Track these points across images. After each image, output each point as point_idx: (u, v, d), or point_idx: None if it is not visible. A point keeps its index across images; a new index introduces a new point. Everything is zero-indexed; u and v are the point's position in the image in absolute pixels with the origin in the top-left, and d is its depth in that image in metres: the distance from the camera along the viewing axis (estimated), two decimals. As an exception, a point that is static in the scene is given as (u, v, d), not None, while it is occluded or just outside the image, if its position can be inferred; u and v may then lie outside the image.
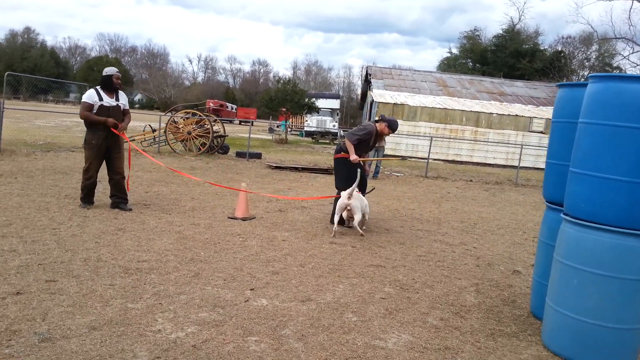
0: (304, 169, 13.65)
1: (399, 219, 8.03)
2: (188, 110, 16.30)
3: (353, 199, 6.28)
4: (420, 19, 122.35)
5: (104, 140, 6.66)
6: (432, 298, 4.33)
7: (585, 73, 59.16)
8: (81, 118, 6.61)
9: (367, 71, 33.52)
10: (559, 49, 58.42)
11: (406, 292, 4.41)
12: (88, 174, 6.66)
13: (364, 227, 6.67)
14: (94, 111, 6.54)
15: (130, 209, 6.81)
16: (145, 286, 3.99)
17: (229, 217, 6.89)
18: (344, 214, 6.50)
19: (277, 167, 13.57)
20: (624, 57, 51.16)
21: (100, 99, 6.58)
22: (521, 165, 17.33)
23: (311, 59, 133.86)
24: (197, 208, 7.39)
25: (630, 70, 76.04)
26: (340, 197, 6.48)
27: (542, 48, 57.49)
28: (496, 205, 10.63)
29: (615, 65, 57.08)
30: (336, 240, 6.08)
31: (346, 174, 6.88)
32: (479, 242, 6.82)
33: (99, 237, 5.34)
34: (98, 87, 6.69)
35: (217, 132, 16.52)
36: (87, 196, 6.82)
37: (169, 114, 16.79)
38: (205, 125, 15.62)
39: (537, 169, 21.73)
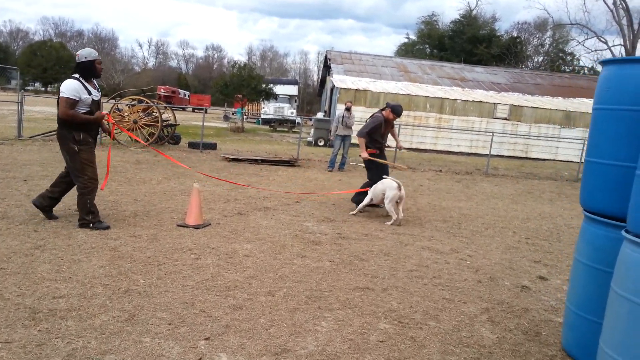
0: (263, 161, 12.52)
1: (375, 219, 7.07)
2: (134, 97, 14.81)
3: (398, 190, 6.76)
4: (375, 5, 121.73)
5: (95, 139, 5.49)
6: (440, 336, 3.39)
7: (540, 59, 60.04)
8: (64, 118, 5.13)
9: (326, 56, 32.42)
10: (515, 35, 58.90)
11: (407, 329, 3.44)
12: (93, 182, 5.35)
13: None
14: (85, 108, 5.22)
15: (57, 217, 5.58)
16: (55, 342, 2.87)
17: (178, 225, 5.75)
18: (391, 206, 6.80)
19: (234, 159, 12.39)
20: (579, 43, 51.99)
21: (89, 92, 5.24)
22: (485, 153, 16.75)
23: (267, 45, 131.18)
24: (140, 213, 6.21)
25: (585, 57, 77.78)
26: (368, 189, 7.28)
27: (498, 34, 57.80)
28: (473, 199, 9.84)
29: (569, 51, 58.17)
30: (308, 253, 5.06)
31: (378, 168, 7.51)
32: (471, 247, 5.94)
33: (7, 260, 4.13)
34: (78, 77, 5.23)
35: (167, 120, 15.14)
36: (96, 212, 5.42)
37: (112, 100, 15.26)
38: (154, 113, 14.21)
39: (502, 156, 21.33)
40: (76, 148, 5.21)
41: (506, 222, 7.73)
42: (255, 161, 12.45)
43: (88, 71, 5.29)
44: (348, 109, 12.55)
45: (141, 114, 14.32)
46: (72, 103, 5.10)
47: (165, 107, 15.82)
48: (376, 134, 7.63)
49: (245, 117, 38.48)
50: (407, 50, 60.74)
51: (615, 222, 2.96)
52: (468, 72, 32.79)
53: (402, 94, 22.16)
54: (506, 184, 12.90)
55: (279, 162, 12.61)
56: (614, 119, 2.95)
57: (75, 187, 5.40)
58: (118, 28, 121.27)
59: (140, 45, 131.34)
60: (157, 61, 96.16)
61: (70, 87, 5.11)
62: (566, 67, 55.85)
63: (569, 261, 5.71)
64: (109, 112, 13.81)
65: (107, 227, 5.38)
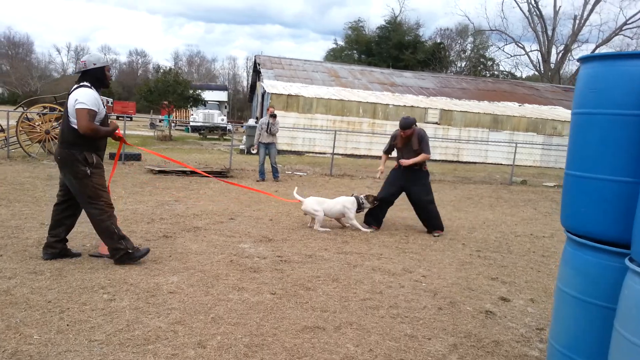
0: (193, 173, 11.63)
1: (317, 237, 6.48)
2: (46, 105, 13.45)
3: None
4: (302, 11, 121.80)
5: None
6: (410, 389, 2.82)
7: (463, 64, 62.14)
8: (88, 133, 4.39)
9: (255, 60, 31.65)
10: (439, 41, 60.63)
11: (371, 383, 2.86)
12: (110, 207, 4.74)
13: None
14: (98, 121, 4.53)
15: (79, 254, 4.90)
16: None
17: (90, 255, 4.90)
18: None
19: (160, 172, 11.43)
20: (499, 49, 54.22)
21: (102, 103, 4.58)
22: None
23: (193, 50, 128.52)
24: (45, 241, 5.27)
25: (505, 61, 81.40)
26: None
27: (423, 40, 59.24)
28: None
29: (489, 56, 60.55)
30: (246, 284, 4.37)
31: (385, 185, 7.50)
32: (423, 265, 5.47)
33: None
34: (89, 85, 4.52)
35: (85, 130, 13.87)
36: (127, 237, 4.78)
37: (21, 109, 13.80)
38: (69, 123, 12.93)
39: (435, 160, 21.41)
40: (88, 171, 4.51)
41: (453, 233, 7.37)
42: (184, 173, 11.54)
43: (98, 80, 4.63)
44: (273, 116, 11.80)
45: (54, 124, 13.01)
46: (94, 115, 4.43)
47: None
48: (391, 149, 7.65)
49: (173, 124, 36.94)
50: (335, 56, 60.95)
51: (613, 248, 2.51)
52: (397, 77, 33.07)
53: (335, 99, 21.83)
54: (444, 189, 12.72)
55: (210, 173, 11.75)
56: (613, 125, 2.50)
57: (85, 215, 4.71)
58: (33, 32, 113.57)
59: (58, 51, 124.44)
60: (77, 67, 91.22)
61: (91, 97, 4.43)
62: (487, 72, 58.06)
63: (526, 276, 5.37)
64: (17, 121, 12.47)
65: (147, 251, 4.84)
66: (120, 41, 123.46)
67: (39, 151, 12.97)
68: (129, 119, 46.36)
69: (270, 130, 11.61)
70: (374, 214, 7.35)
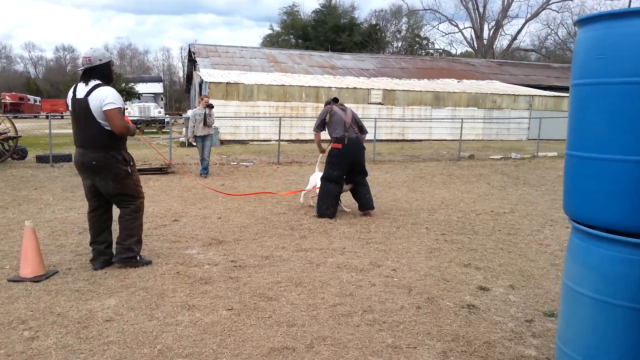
0: (130, 171, 10.75)
1: (272, 233, 5.94)
2: (-44, 107, 12.10)
3: None
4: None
5: None
6: (406, 419, 2.36)
7: (399, 44, 62.53)
8: (124, 132, 4.29)
9: (190, 49, 30.37)
10: (374, 23, 60.66)
11: (359, 417, 2.38)
12: (143, 203, 4.68)
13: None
14: None
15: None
16: None
17: (9, 280, 4.16)
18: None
19: (93, 173, 10.47)
20: (433, 27, 54.88)
21: None
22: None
23: (124, 43, 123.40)
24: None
25: (440, 39, 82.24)
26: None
27: (358, 22, 59.04)
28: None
29: (424, 36, 61.17)
30: (197, 300, 3.79)
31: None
32: (391, 257, 5.05)
33: None
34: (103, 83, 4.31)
35: (6, 132, 12.64)
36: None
37: None
38: (-14, 126, 11.70)
39: (381, 140, 21.20)
40: (128, 169, 4.44)
41: (414, 217, 7.01)
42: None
43: (105, 77, 4.35)
44: (209, 106, 10.80)
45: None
46: (123, 113, 4.29)
47: (2, 118, 13.21)
48: None
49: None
50: (272, 42, 59.83)
51: (634, 239, 2.11)
52: (337, 60, 32.68)
53: (276, 85, 21.13)
54: (396, 170, 12.43)
55: (150, 170, 10.91)
56: (629, 96, 2.08)
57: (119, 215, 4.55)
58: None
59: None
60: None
61: (116, 94, 4.26)
62: (423, 51, 58.69)
63: (498, 259, 5.06)
64: None
65: (149, 262, 4.64)
66: (45, 37, 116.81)
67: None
68: (60, 117, 43.78)
69: (206, 121, 10.69)
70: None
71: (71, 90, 4.39)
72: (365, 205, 7.05)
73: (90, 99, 4.16)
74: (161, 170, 10.86)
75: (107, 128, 4.23)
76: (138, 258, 4.54)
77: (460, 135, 15.77)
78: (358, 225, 6.43)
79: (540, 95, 25.05)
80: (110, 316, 3.45)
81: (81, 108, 4.21)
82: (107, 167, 4.29)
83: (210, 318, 3.44)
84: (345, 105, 7.26)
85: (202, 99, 11.04)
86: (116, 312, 3.51)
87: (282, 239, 5.63)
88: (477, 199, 8.51)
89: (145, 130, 26.49)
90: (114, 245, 4.59)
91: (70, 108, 4.38)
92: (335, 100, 7.28)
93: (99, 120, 4.19)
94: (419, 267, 4.71)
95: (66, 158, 12.50)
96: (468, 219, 6.92)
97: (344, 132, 6.82)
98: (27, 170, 10.98)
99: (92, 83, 4.24)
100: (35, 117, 42.95)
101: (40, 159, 12.34)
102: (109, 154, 4.29)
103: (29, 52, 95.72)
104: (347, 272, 4.49)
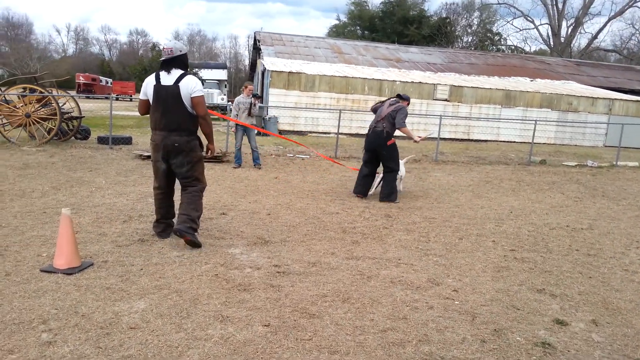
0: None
1: (323, 235, 5.51)
2: (25, 86, 12.39)
3: None
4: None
5: None
6: None
7: (469, 39, 60.43)
8: (206, 118, 4.83)
9: (255, 37, 30.38)
10: (444, 16, 58.87)
11: None
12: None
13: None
14: None
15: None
16: None
17: (42, 271, 3.94)
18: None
19: (149, 157, 10.40)
20: (507, 22, 52.56)
21: None
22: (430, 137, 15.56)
23: (194, 29, 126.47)
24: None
25: (514, 35, 79.03)
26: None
27: (428, 15, 57.48)
28: (431, 195, 8.49)
29: (496, 31, 58.82)
30: (232, 311, 3.41)
31: (398, 156, 7.81)
32: (452, 273, 4.50)
33: None
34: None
35: (69, 112, 12.86)
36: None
37: (-1, 90, 12.77)
38: (52, 104, 11.90)
39: (444, 139, 20.35)
40: (202, 154, 5.01)
41: (479, 227, 6.38)
42: (175, 158, 10.52)
43: (185, 65, 4.84)
44: (257, 96, 10.36)
45: (37, 106, 11.98)
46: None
47: (67, 97, 13.46)
48: None
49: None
50: (338, 32, 59.33)
51: None
52: (403, 53, 31.79)
53: (339, 76, 20.66)
54: (459, 171, 11.71)
55: (205, 159, 10.73)
56: None
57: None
58: (33, 13, 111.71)
59: (58, 31, 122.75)
60: (77, 48, 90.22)
61: (201, 85, 4.78)
62: (494, 47, 56.45)
63: (577, 285, 4.40)
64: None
65: (200, 245, 4.82)
66: (120, 21, 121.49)
67: (19, 136, 11.98)
68: (128, 99, 45.30)
69: (251, 111, 10.30)
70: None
71: (152, 77, 4.75)
72: (380, 195, 7.72)
73: (181, 85, 4.61)
74: (215, 159, 10.67)
75: (192, 113, 4.72)
76: (196, 234, 4.76)
77: (533, 138, 14.74)
78: (416, 232, 5.90)
79: (621, 100, 23.27)
80: (136, 323, 3.13)
81: (169, 94, 4.62)
82: (187, 149, 4.76)
83: (243, 335, 3.05)
84: (409, 99, 7.98)
85: (245, 87, 10.62)
86: (143, 319, 3.19)
87: (333, 243, 5.19)
88: (550, 211, 7.74)
89: (207, 116, 26.76)
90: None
91: (152, 94, 4.70)
92: (398, 96, 7.94)
93: (186, 106, 4.66)
94: (485, 289, 4.14)
95: (126, 141, 12.58)
96: (540, 234, 6.23)
97: (372, 124, 7.78)
98: (86, 151, 11.09)
99: (176, 72, 4.66)
100: (106, 98, 44.63)
101: (101, 140, 12.46)
102: (190, 138, 4.77)
103: (105, 35, 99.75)
104: (402, 289, 4.00)
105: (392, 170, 7.64)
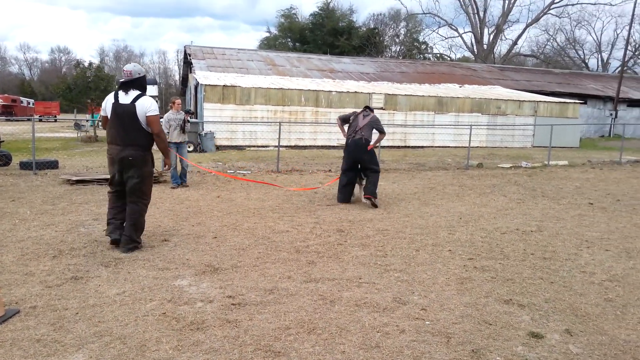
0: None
1: (275, 254, 5.18)
2: None
3: None
4: (232, 3, 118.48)
5: None
6: None
7: (397, 49, 61.95)
8: (161, 135, 5.34)
9: (185, 51, 29.60)
10: (373, 26, 60.06)
11: None
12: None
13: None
14: None
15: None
16: None
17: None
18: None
19: (78, 181, 9.68)
20: (433, 31, 54.34)
21: None
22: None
23: (120, 45, 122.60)
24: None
25: (439, 44, 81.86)
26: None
27: (357, 25, 58.45)
28: (380, 205, 8.35)
29: (422, 40, 60.65)
30: (185, 357, 3.02)
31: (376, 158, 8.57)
32: (417, 289, 4.30)
33: None
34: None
35: (-14, 137, 11.83)
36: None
37: None
38: (-36, 130, 10.86)
39: (382, 147, 20.47)
40: (153, 171, 5.45)
41: (433, 236, 6.26)
42: (107, 181, 9.82)
43: (143, 87, 5.28)
44: (189, 112, 9.76)
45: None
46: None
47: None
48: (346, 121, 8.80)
49: (98, 124, 34.09)
50: (269, 45, 59.13)
51: None
52: (336, 64, 32.02)
53: (274, 88, 20.38)
54: (403, 179, 11.70)
55: (161, 174, 10.08)
56: None
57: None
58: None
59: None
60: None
61: (156, 104, 5.22)
62: (421, 56, 58.14)
63: (542, 292, 4.32)
64: None
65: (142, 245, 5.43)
66: (40, 39, 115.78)
67: None
68: (53, 119, 42.91)
69: (184, 128, 9.75)
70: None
71: (111, 96, 5.24)
72: (365, 191, 8.21)
73: (137, 105, 5.09)
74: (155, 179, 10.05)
75: (146, 130, 5.19)
76: (139, 245, 5.34)
77: (469, 143, 15.05)
78: (372, 247, 5.68)
79: (545, 101, 24.41)
80: (73, 382, 2.68)
81: (126, 112, 5.09)
82: (140, 164, 5.19)
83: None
84: (369, 111, 8.62)
85: (173, 102, 9.98)
86: (82, 376, 2.75)
87: (287, 265, 4.87)
88: (497, 214, 7.78)
89: (138, 134, 25.66)
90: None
91: (110, 112, 5.16)
92: (368, 108, 8.70)
93: (141, 124, 5.13)
94: (453, 305, 3.96)
95: (51, 165, 11.71)
96: (494, 239, 6.19)
97: (351, 134, 8.37)
98: (7, 179, 10.18)
99: (134, 92, 5.16)
100: (29, 119, 42.08)
101: (24, 166, 11.52)
102: (143, 153, 5.20)
103: (24, 53, 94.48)
104: (368, 312, 3.74)
105: (376, 171, 8.31)
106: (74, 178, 9.75)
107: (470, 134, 14.94)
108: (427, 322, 3.60)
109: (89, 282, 4.28)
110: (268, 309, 3.74)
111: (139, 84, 5.23)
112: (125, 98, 5.13)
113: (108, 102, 5.22)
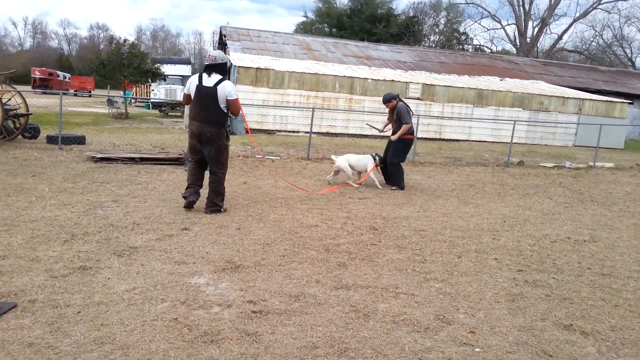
0: (143, 160, 9.63)
1: (302, 252, 4.71)
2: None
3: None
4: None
5: None
6: None
7: (436, 38, 60.49)
8: (238, 116, 6.24)
9: (221, 32, 29.24)
10: (412, 15, 58.73)
11: None
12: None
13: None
14: None
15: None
16: None
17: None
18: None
19: (102, 159, 9.38)
20: (475, 22, 52.73)
21: None
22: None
23: (157, 24, 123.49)
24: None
25: (481, 35, 79.52)
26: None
27: (396, 13, 57.23)
28: (415, 202, 7.79)
29: (463, 31, 59.05)
30: None
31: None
32: (462, 305, 3.77)
33: None
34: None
35: (15, 108, 11.67)
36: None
37: None
38: (-6, 100, 10.68)
39: (418, 138, 19.78)
40: (227, 144, 6.09)
41: (476, 240, 5.70)
42: (133, 160, 9.54)
43: (225, 72, 5.89)
44: None
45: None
46: None
47: (13, 93, 12.23)
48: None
49: (133, 100, 34.16)
50: (306, 30, 58.41)
51: None
52: (373, 51, 31.22)
53: (309, 73, 19.84)
54: (439, 174, 11.08)
55: (165, 160, 9.78)
56: None
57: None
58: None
59: (14, 24, 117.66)
60: (35, 41, 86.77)
61: (235, 90, 5.90)
62: (460, 46, 56.64)
63: (606, 317, 3.74)
64: None
65: (226, 210, 6.21)
66: (80, 15, 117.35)
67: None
68: (87, 94, 43.25)
69: None
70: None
71: (195, 78, 5.89)
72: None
73: (219, 88, 5.75)
74: (178, 161, 9.71)
75: (225, 110, 5.86)
76: (222, 210, 6.10)
77: (512, 139, 14.27)
78: (409, 249, 5.16)
79: (590, 100, 23.23)
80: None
81: (209, 94, 5.75)
82: (217, 139, 5.87)
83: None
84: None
85: None
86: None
87: (316, 267, 4.40)
88: (544, 219, 7.15)
89: (169, 114, 25.54)
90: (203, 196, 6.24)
91: (194, 91, 5.83)
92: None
93: (220, 105, 5.79)
94: (505, 328, 3.42)
95: (78, 140, 11.48)
96: (543, 248, 5.59)
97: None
98: (32, 152, 9.96)
99: (216, 76, 5.80)
100: (64, 93, 42.52)
101: (51, 140, 11.33)
102: (220, 130, 5.88)
103: (64, 29, 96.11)
104: (408, 332, 3.24)
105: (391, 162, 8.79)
106: (99, 155, 9.46)
107: (513, 130, 14.16)
108: (477, 349, 3.08)
109: (98, 273, 3.89)
110: (293, 320, 3.27)
111: (220, 68, 5.83)
112: (208, 81, 5.76)
113: (192, 83, 5.88)
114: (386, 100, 8.97)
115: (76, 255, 4.25)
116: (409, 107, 8.95)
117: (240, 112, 6.07)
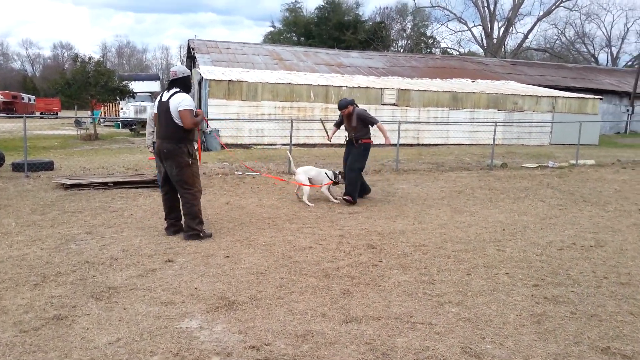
0: (117, 184, 9.07)
1: (300, 280, 4.30)
2: None
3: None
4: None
5: None
6: None
7: (404, 43, 60.87)
8: (192, 128, 5.58)
9: (189, 45, 28.66)
10: (379, 20, 59.01)
11: None
12: (200, 192, 5.87)
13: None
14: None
15: None
16: None
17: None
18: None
19: (73, 185, 8.79)
20: (442, 24, 53.20)
21: None
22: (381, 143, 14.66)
23: (122, 41, 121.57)
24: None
25: (448, 38, 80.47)
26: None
27: (363, 19, 57.40)
28: (408, 213, 7.46)
29: (430, 34, 59.55)
30: None
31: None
32: (484, 332, 3.41)
33: None
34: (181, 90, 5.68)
35: (-25, 136, 10.96)
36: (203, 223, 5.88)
37: None
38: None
39: (394, 145, 19.55)
40: (190, 161, 5.61)
41: (480, 254, 5.37)
42: (105, 185, 8.98)
43: (186, 86, 5.68)
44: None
45: None
46: (193, 113, 5.51)
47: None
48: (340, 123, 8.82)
49: (102, 120, 33.21)
50: (274, 40, 58.07)
51: None
52: (344, 58, 31.06)
53: (282, 83, 19.45)
54: (424, 181, 10.78)
55: (139, 183, 9.24)
56: None
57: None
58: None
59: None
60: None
61: (190, 100, 5.52)
62: (428, 50, 57.09)
63: (644, 337, 3.41)
64: None
65: (210, 235, 5.79)
66: (43, 35, 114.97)
67: None
68: (54, 116, 42.02)
69: None
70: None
71: (159, 96, 5.74)
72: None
73: (171, 101, 5.47)
74: (154, 183, 9.18)
75: (179, 125, 5.45)
76: (201, 235, 5.65)
77: (494, 141, 14.12)
78: (413, 268, 4.79)
79: (563, 97, 23.42)
80: None
81: (163, 108, 5.52)
82: (175, 155, 5.49)
83: None
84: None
85: None
86: None
87: (318, 297, 3.99)
88: (544, 225, 6.88)
89: (140, 132, 24.81)
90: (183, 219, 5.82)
91: (156, 110, 5.69)
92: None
93: (175, 119, 5.43)
94: (539, 357, 3.07)
95: (46, 166, 10.83)
96: (552, 258, 5.29)
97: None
98: (-4, 182, 9.31)
99: (173, 90, 5.55)
100: (29, 116, 41.22)
101: (17, 167, 10.66)
102: (177, 146, 5.49)
103: (27, 49, 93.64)
104: (436, 373, 2.86)
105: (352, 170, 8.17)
106: (69, 182, 8.87)
107: (494, 132, 13.99)
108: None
109: (75, 323, 3.41)
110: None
111: (182, 82, 5.63)
112: (165, 95, 5.59)
113: (156, 101, 5.82)
114: (343, 106, 8.28)
115: (49, 302, 3.76)
116: (364, 110, 8.52)
117: (201, 116, 5.75)
